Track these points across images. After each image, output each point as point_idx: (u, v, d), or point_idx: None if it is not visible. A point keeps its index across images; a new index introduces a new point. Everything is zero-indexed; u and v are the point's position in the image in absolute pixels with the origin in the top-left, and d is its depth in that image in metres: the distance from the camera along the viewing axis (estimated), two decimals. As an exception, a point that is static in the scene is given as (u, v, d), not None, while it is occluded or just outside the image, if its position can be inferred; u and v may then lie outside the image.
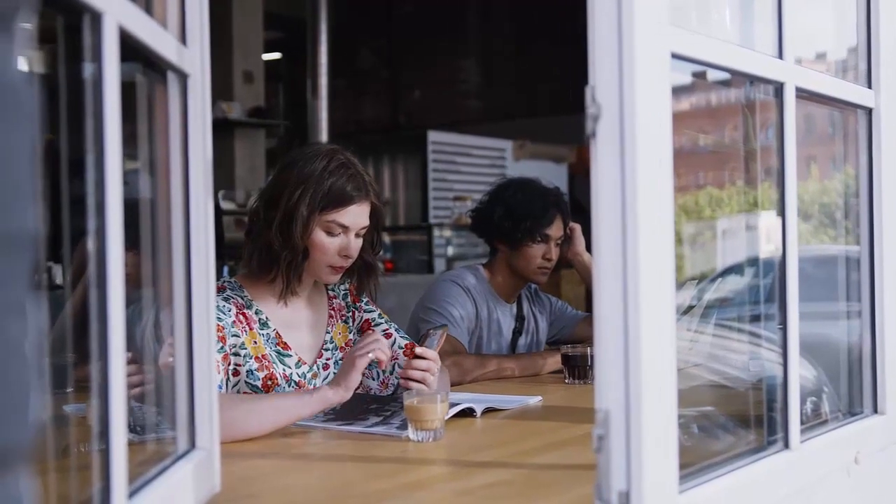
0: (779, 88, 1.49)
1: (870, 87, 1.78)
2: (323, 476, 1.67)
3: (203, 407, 1.36)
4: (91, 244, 1.00)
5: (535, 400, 2.32)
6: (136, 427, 1.36)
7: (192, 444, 1.35)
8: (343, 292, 2.40)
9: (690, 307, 1.98)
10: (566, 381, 2.64)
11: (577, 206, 3.17)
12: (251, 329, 2.17)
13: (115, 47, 1.00)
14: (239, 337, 2.12)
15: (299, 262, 2.17)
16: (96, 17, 0.98)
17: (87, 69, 0.99)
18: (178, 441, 1.33)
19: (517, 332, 3.10)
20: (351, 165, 2.20)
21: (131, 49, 1.09)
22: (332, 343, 2.32)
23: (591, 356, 2.62)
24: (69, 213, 1.03)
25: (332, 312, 2.36)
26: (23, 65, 0.59)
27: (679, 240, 1.28)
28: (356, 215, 2.18)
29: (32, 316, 0.58)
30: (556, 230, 2.98)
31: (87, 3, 0.94)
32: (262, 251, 2.18)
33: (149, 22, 1.15)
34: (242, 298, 2.20)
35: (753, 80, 1.53)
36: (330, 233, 2.17)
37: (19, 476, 0.56)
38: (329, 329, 2.33)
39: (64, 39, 1.04)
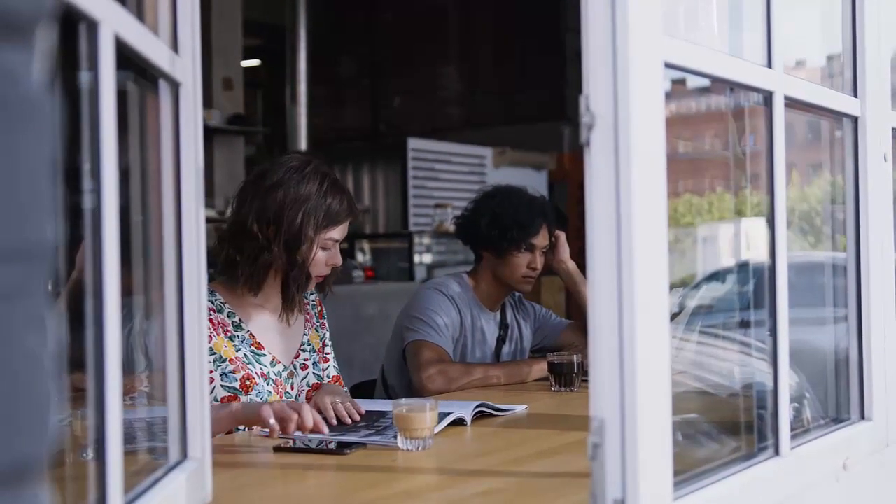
0: (768, 97, 1.50)
1: (855, 95, 1.79)
2: (314, 486, 1.66)
3: (195, 417, 1.35)
4: (87, 253, 0.99)
5: (521, 408, 2.32)
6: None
7: (184, 455, 1.34)
8: (312, 302, 2.48)
9: (674, 314, 1.99)
10: (552, 388, 2.64)
11: (558, 214, 3.18)
12: (219, 334, 2.21)
13: (112, 56, 1.00)
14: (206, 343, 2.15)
15: (304, 282, 2.26)
16: (93, 26, 0.97)
17: (83, 77, 0.99)
18: (171, 451, 1.33)
19: (501, 340, 3.10)
20: (339, 182, 2.31)
21: (124, 57, 1.08)
22: (309, 345, 2.40)
23: (578, 364, 2.62)
24: (63, 221, 1.02)
25: (308, 317, 2.44)
26: (41, 77, 0.58)
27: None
28: (345, 229, 2.31)
29: (51, 327, 0.57)
30: (541, 240, 2.98)
31: (84, 11, 0.94)
32: (260, 271, 2.23)
33: (143, 31, 1.15)
34: (213, 303, 2.24)
35: (744, 88, 1.54)
36: (324, 248, 2.27)
37: (39, 488, 0.56)
38: (306, 332, 2.40)
39: (57, 47, 1.03)
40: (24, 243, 0.54)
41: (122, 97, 1.14)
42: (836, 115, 1.80)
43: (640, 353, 1.15)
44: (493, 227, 2.94)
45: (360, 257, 7.41)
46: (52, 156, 0.58)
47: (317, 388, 2.38)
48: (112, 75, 1.00)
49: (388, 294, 6.06)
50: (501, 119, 9.24)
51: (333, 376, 2.45)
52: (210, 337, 2.17)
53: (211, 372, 2.15)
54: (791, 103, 1.56)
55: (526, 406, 2.34)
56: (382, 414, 2.16)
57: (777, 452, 1.50)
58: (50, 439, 0.58)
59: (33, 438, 0.55)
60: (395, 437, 1.87)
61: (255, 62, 10.29)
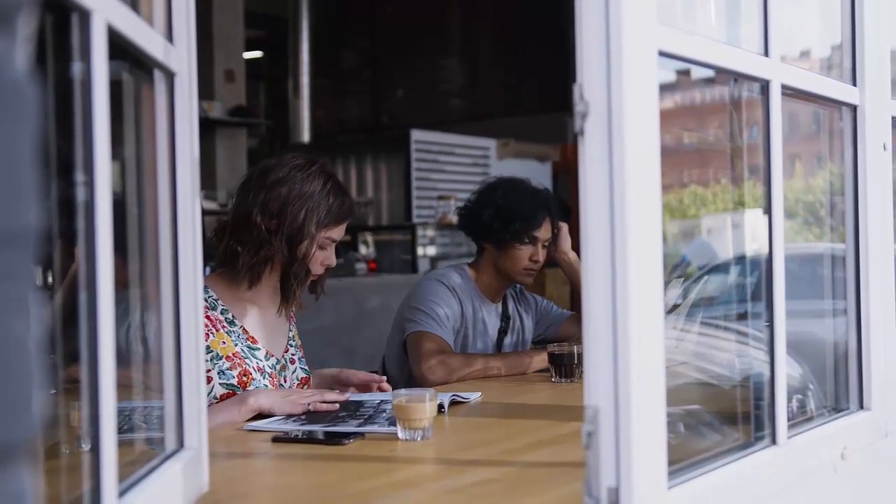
0: (765, 86, 1.50)
1: (854, 84, 1.79)
2: (311, 476, 1.66)
3: (191, 407, 1.36)
4: (79, 245, 0.99)
5: (476, 395, 2.35)
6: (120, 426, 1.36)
7: (181, 444, 1.35)
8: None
9: (676, 305, 1.99)
10: (553, 379, 2.64)
11: (562, 205, 3.17)
12: (217, 330, 2.23)
13: (104, 46, 1.00)
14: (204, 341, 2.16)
15: (304, 277, 2.29)
16: (85, 16, 0.97)
17: (76, 68, 0.99)
18: (167, 441, 1.33)
19: (503, 332, 3.10)
20: (341, 185, 2.35)
21: (118, 47, 1.08)
22: (294, 341, 2.44)
23: (578, 354, 2.62)
24: (56, 213, 1.02)
25: (292, 313, 2.47)
26: (24, 63, 0.58)
27: (664, 238, 1.28)
28: (343, 230, 2.35)
29: (35, 312, 0.58)
30: (544, 232, 2.97)
31: (76, 1, 0.94)
32: (260, 263, 2.25)
33: (137, 20, 1.15)
34: (206, 300, 2.25)
35: (740, 77, 1.54)
36: (322, 247, 2.30)
37: (23, 471, 0.57)
38: (291, 328, 2.45)
39: (50, 38, 1.03)
40: (8, 228, 0.55)
41: (116, 88, 1.14)
42: (835, 105, 1.80)
43: (634, 341, 1.15)
44: (495, 219, 2.94)
45: (363, 249, 7.41)
46: (35, 143, 0.58)
47: (305, 381, 2.42)
48: (105, 66, 1.00)
49: (391, 286, 6.06)
50: (504, 111, 9.23)
51: (302, 378, 2.44)
52: (208, 335, 2.18)
53: (209, 371, 2.16)
54: (788, 92, 1.55)
55: (480, 393, 2.36)
56: (360, 404, 2.17)
57: (774, 442, 1.50)
58: (34, 423, 0.58)
59: (16, 422, 0.56)
60: (388, 423, 1.87)
61: (257, 54, 10.29)
